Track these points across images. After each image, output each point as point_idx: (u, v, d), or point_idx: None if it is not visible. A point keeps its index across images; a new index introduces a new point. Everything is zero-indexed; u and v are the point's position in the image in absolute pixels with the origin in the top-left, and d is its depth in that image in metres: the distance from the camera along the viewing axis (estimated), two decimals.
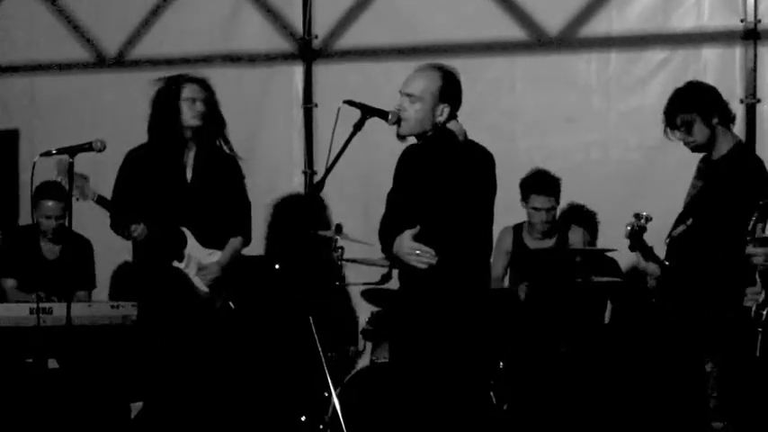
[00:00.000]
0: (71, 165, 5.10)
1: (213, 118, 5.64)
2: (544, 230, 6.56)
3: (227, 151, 5.75)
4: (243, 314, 5.65)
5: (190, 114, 5.54)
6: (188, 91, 5.57)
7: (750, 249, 4.66)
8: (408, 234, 4.63)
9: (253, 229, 5.89)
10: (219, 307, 5.60)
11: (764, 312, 4.54)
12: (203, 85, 5.65)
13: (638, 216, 5.35)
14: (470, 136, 4.83)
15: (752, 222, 4.61)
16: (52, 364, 6.01)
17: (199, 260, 5.61)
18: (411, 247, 4.62)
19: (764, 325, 4.53)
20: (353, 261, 6.49)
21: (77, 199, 5.31)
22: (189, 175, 5.63)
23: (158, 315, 5.61)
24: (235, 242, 5.73)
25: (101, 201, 5.47)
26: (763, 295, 4.60)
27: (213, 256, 5.65)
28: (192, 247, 5.60)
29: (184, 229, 5.59)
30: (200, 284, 5.62)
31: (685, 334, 5.28)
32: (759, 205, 4.60)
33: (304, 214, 6.92)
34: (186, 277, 5.59)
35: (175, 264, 5.57)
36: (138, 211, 5.52)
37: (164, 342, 5.52)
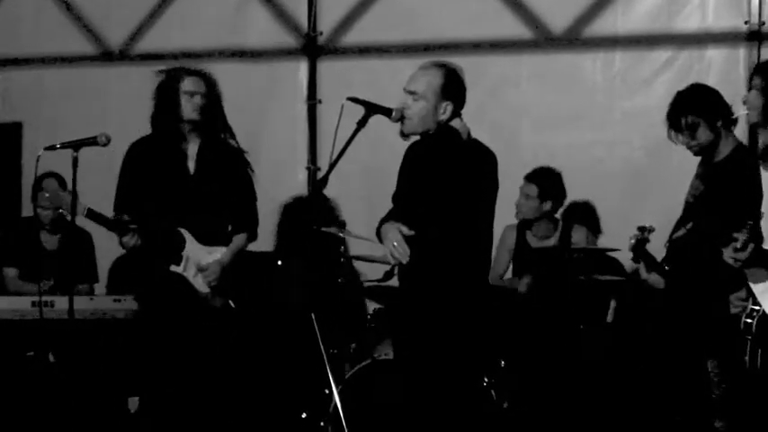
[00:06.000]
0: (75, 159, 5.10)
1: (214, 112, 5.57)
2: (520, 219, 6.55)
3: (234, 145, 5.70)
4: (245, 311, 5.61)
5: (189, 108, 5.48)
6: (187, 84, 5.51)
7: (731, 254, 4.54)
8: (400, 227, 4.64)
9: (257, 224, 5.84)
10: (220, 306, 5.56)
11: (753, 322, 4.51)
12: (204, 78, 5.59)
13: (642, 228, 5.36)
14: (475, 134, 4.83)
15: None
16: (52, 357, 6.03)
17: (198, 261, 5.54)
18: (395, 237, 4.62)
19: (753, 334, 4.50)
20: (356, 258, 6.49)
21: (67, 214, 5.32)
22: (191, 167, 5.57)
23: (158, 314, 5.58)
24: (239, 239, 5.69)
25: (91, 214, 5.43)
26: (749, 303, 4.58)
27: (214, 254, 5.59)
28: (191, 247, 5.54)
29: (183, 231, 5.53)
30: (201, 286, 5.57)
31: (687, 334, 5.29)
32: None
33: (308, 211, 6.90)
34: (185, 279, 5.54)
35: (173, 268, 5.52)
36: (135, 216, 5.49)
37: (163, 340, 5.51)
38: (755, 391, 4.71)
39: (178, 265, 5.53)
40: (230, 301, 5.54)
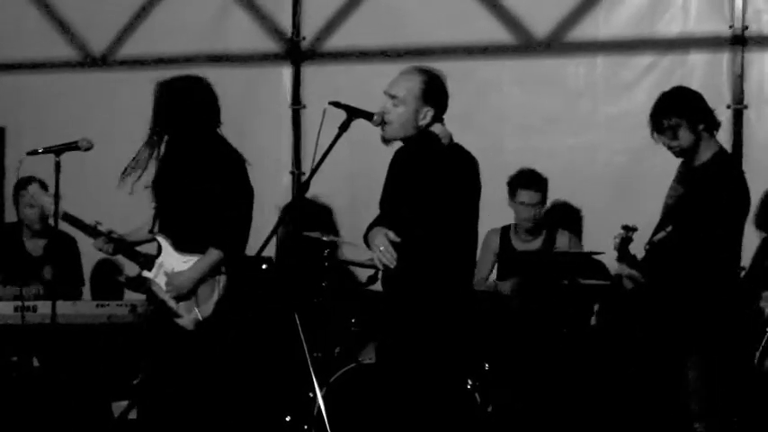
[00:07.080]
0: (57, 164, 5.10)
1: (163, 117, 5.35)
2: (529, 228, 6.57)
3: (211, 151, 5.43)
4: (226, 318, 5.52)
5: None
6: None
7: None
8: (387, 233, 4.64)
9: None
10: (190, 317, 5.44)
11: None
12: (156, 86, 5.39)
13: (626, 228, 5.38)
14: (458, 138, 4.83)
15: None
16: (36, 362, 6.02)
17: (171, 268, 5.42)
18: (382, 242, 4.61)
19: None
20: (340, 262, 6.49)
21: (49, 215, 5.35)
22: (155, 175, 5.46)
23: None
24: (209, 255, 5.35)
25: (67, 218, 5.44)
26: None
27: (188, 264, 5.40)
28: (166, 255, 5.45)
29: (160, 237, 5.47)
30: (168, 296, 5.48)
31: (668, 338, 5.31)
32: None
33: (293, 215, 6.88)
34: (156, 286, 5.48)
35: (145, 273, 5.49)
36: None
37: (149, 343, 5.51)
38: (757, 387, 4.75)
39: (149, 270, 5.50)
40: (198, 312, 5.45)
